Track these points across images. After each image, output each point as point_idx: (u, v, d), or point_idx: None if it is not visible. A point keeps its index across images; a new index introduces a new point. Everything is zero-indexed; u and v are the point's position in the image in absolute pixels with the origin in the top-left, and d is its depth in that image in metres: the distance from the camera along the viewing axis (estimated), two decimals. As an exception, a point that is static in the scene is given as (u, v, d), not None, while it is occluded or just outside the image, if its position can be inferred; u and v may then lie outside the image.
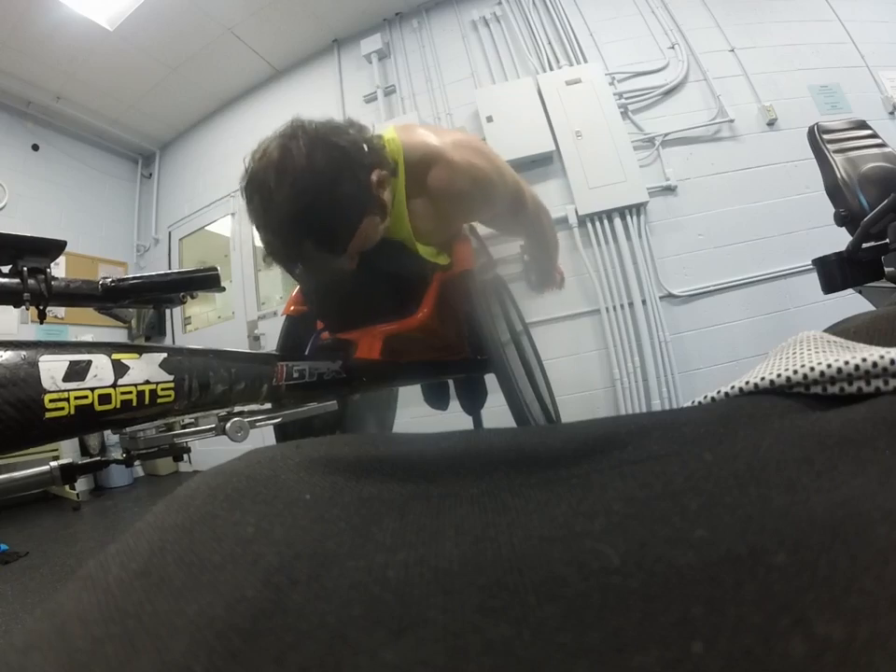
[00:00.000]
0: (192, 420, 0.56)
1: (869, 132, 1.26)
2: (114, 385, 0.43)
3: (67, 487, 2.42)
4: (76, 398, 0.40)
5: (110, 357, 0.44)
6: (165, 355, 0.49)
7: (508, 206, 0.90)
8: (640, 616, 0.09)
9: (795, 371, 0.19)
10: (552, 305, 2.34)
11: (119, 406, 0.43)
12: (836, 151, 1.19)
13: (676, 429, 0.16)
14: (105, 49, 2.74)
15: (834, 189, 1.16)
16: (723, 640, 0.08)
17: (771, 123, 2.46)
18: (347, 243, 0.68)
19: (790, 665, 0.08)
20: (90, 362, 0.42)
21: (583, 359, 2.33)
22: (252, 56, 3.02)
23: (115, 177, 3.61)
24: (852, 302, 1.02)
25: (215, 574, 0.10)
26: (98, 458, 0.53)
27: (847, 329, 0.23)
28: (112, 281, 0.52)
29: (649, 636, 0.08)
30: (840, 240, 1.10)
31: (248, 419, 0.56)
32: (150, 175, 3.74)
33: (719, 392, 0.21)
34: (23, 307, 0.46)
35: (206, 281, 0.55)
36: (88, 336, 2.42)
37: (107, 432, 2.83)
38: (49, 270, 0.47)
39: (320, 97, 3.03)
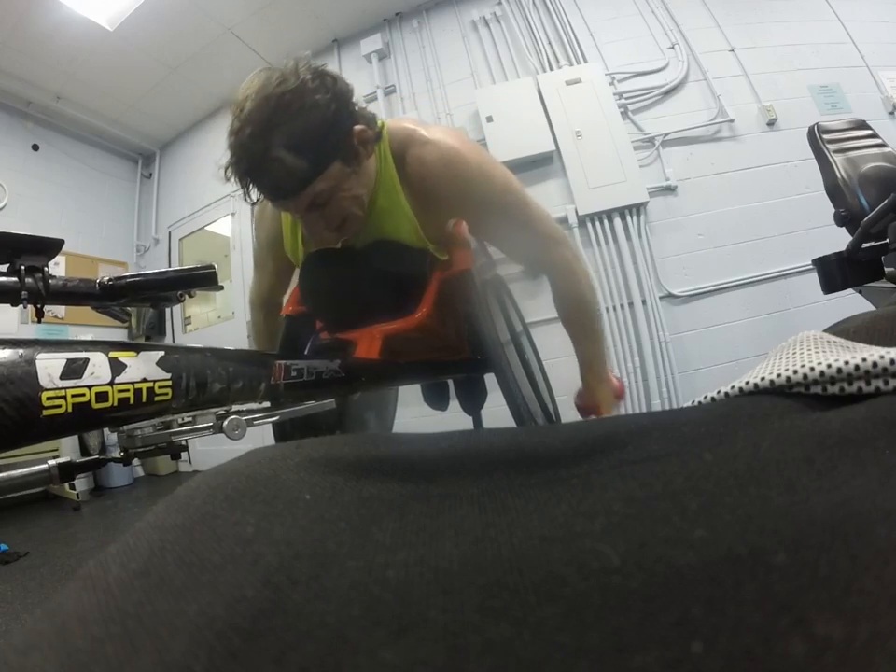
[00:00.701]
0: (190, 418, 0.56)
1: (869, 132, 1.26)
2: (111, 383, 0.43)
3: (67, 487, 2.43)
4: (73, 395, 0.40)
5: (107, 355, 0.44)
6: (163, 353, 0.49)
7: (502, 210, 0.79)
8: (640, 616, 0.09)
9: (795, 371, 0.19)
10: (552, 305, 2.33)
11: (116, 404, 0.43)
12: (836, 151, 1.19)
13: (676, 429, 0.16)
14: (105, 49, 2.74)
15: (834, 189, 1.16)
16: (723, 640, 0.08)
17: (771, 123, 2.46)
18: (311, 175, 0.66)
19: (790, 664, 0.08)
20: (87, 360, 0.42)
21: (583, 359, 2.32)
22: (252, 56, 3.02)
23: (115, 177, 3.61)
24: (852, 302, 1.02)
25: (215, 574, 0.10)
26: (96, 457, 0.53)
27: (847, 329, 0.23)
28: (109, 279, 0.52)
29: (649, 636, 0.08)
30: (840, 240, 1.10)
31: (246, 417, 0.56)
32: (150, 175, 3.74)
33: (719, 392, 0.21)
34: (22, 306, 0.46)
35: (204, 279, 0.55)
36: (88, 336, 2.42)
37: (107, 432, 2.81)
38: (46, 268, 0.47)
39: (320, 97, 3.03)
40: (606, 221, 2.37)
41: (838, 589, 0.09)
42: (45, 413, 0.38)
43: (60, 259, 2.89)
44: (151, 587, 0.10)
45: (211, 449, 2.74)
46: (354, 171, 0.71)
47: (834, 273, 1.09)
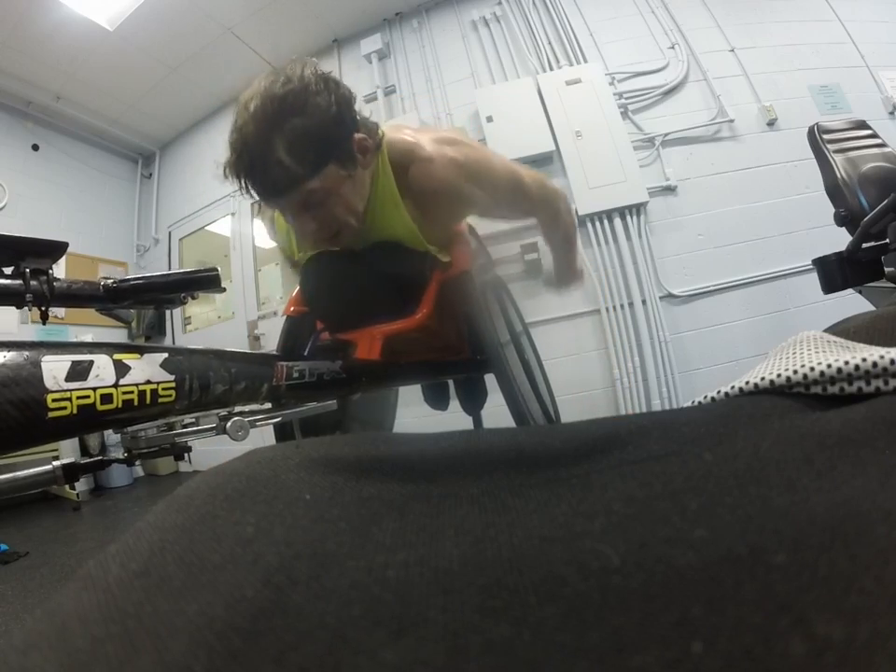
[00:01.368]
0: (193, 420, 0.56)
1: (869, 132, 1.26)
2: (115, 385, 0.44)
3: (67, 487, 2.43)
4: (78, 397, 0.41)
5: (112, 357, 0.45)
6: (166, 355, 0.49)
7: (504, 197, 0.87)
8: (640, 616, 0.09)
9: (795, 371, 0.19)
10: (552, 305, 2.34)
11: (120, 406, 0.44)
12: (836, 151, 1.19)
13: (676, 429, 0.16)
14: (104, 49, 2.74)
15: (834, 189, 1.16)
16: (723, 640, 0.08)
17: (771, 123, 2.46)
18: (305, 173, 0.67)
19: (790, 665, 0.08)
20: (91, 362, 0.43)
21: (583, 359, 2.33)
22: (252, 56, 3.02)
23: (115, 177, 3.61)
24: (852, 302, 1.02)
25: (215, 574, 0.10)
26: (100, 458, 0.54)
27: (847, 329, 0.23)
28: (114, 282, 0.52)
29: (649, 636, 0.08)
30: (840, 240, 1.10)
31: (249, 419, 0.56)
32: (150, 175, 3.74)
33: (719, 392, 0.21)
34: (25, 308, 0.46)
35: (207, 282, 0.55)
36: (88, 336, 2.42)
37: (107, 433, 2.81)
38: (51, 271, 0.47)
39: (320, 97, 3.03)
40: (606, 221, 2.37)
41: (838, 589, 0.09)
42: (50, 414, 0.39)
43: (60, 259, 2.88)
44: (151, 587, 0.10)
45: (211, 449, 2.74)
46: (350, 175, 0.71)
47: (834, 272, 1.09)
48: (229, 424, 0.54)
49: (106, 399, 0.43)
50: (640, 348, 2.28)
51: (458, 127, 2.63)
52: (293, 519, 0.12)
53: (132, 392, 0.45)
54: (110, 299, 0.52)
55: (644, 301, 2.30)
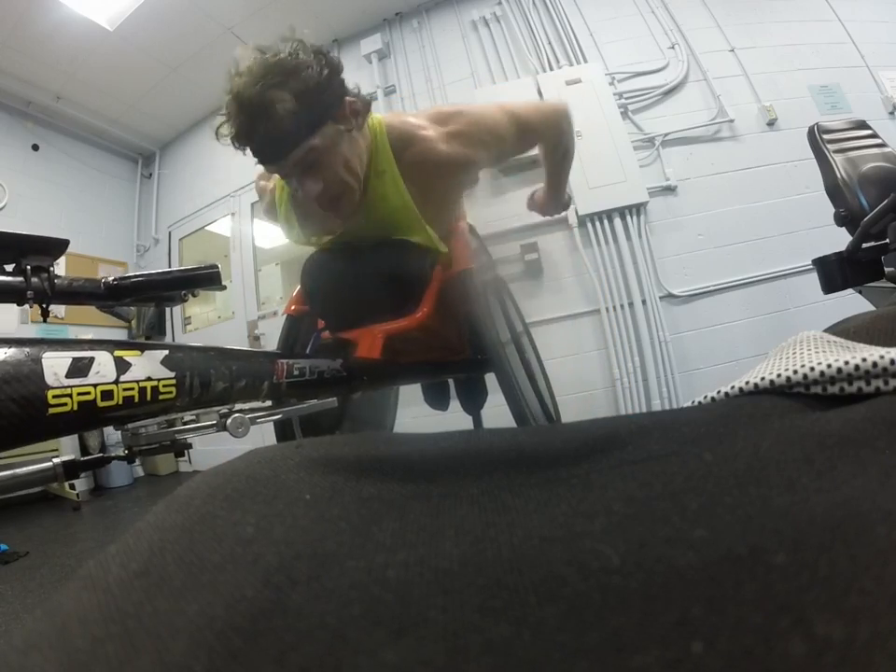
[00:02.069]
0: (194, 417, 0.57)
1: (869, 132, 1.26)
2: (116, 382, 0.44)
3: (67, 487, 2.43)
4: (78, 394, 0.41)
5: (112, 353, 0.45)
6: (167, 352, 0.49)
7: (509, 142, 0.87)
8: (640, 616, 0.09)
9: (795, 371, 0.19)
10: (552, 305, 2.34)
11: (121, 402, 0.44)
12: (836, 151, 1.19)
13: (676, 429, 0.16)
14: (105, 49, 2.74)
15: (834, 189, 1.16)
16: (723, 640, 0.08)
17: (771, 123, 2.46)
18: (307, 130, 0.69)
19: (790, 664, 0.08)
20: (92, 359, 0.43)
21: (583, 359, 2.33)
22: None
23: (115, 177, 3.61)
24: (852, 302, 1.02)
25: (215, 574, 0.10)
26: (100, 455, 0.54)
27: (847, 329, 0.23)
28: (114, 279, 0.52)
29: (649, 636, 0.08)
30: (840, 240, 1.10)
31: (249, 416, 0.57)
32: (150, 175, 3.74)
33: (719, 392, 0.21)
34: (26, 305, 0.46)
35: (207, 279, 0.55)
36: (88, 336, 2.42)
37: (108, 433, 2.81)
38: (51, 268, 0.47)
39: (320, 97, 3.03)
40: (606, 221, 2.37)
41: (838, 589, 0.09)
42: (51, 411, 0.39)
43: (60, 259, 2.88)
44: (151, 587, 0.10)
45: (211, 449, 2.74)
46: (347, 131, 0.74)
47: (834, 272, 1.09)
48: (229, 421, 0.54)
49: (107, 395, 0.43)
50: (640, 348, 2.28)
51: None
52: (293, 519, 0.12)
53: (132, 389, 0.45)
54: (111, 296, 0.52)
55: (644, 301, 2.30)
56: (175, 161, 3.65)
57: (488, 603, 0.09)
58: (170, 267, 3.46)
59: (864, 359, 0.17)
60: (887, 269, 0.99)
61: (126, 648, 0.09)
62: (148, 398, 0.46)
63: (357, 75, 2.94)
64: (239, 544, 0.11)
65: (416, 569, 0.10)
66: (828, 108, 2.49)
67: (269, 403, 0.64)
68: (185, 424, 0.55)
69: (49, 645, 0.10)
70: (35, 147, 3.14)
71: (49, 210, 3.13)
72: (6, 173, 2.94)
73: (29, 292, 0.45)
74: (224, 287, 0.58)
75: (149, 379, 0.46)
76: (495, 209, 2.32)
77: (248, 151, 0.71)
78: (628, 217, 2.36)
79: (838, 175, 1.15)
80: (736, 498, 0.12)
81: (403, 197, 0.80)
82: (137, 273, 0.53)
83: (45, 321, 0.51)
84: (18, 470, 0.46)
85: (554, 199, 1.19)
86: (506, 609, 0.09)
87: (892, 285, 0.99)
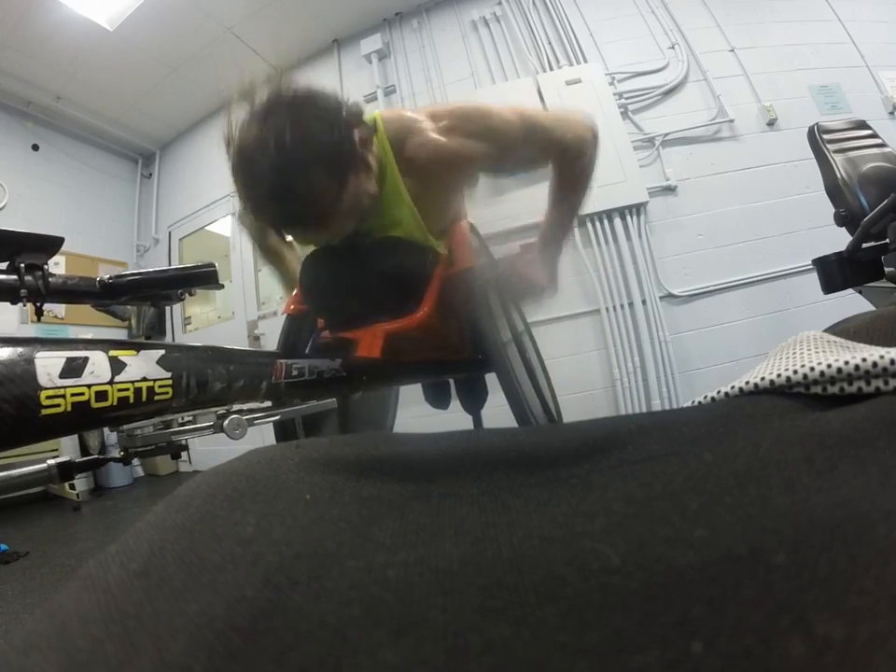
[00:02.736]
0: (191, 417, 0.56)
1: (869, 132, 1.26)
2: (111, 382, 0.43)
3: (67, 487, 2.43)
4: (72, 395, 0.40)
5: (107, 353, 0.44)
6: (163, 352, 0.49)
7: (513, 141, 0.79)
8: (640, 616, 0.09)
9: (795, 371, 0.19)
10: (552, 305, 2.34)
11: (115, 403, 0.43)
12: (836, 151, 1.19)
13: (676, 429, 0.16)
14: (105, 49, 2.74)
15: (834, 189, 1.16)
16: (723, 640, 0.08)
17: (771, 123, 2.46)
18: (340, 197, 0.68)
19: (790, 665, 0.08)
20: (86, 359, 0.42)
21: (583, 359, 2.33)
22: (252, 56, 3.02)
23: (115, 177, 3.61)
24: (852, 302, 1.02)
25: (215, 574, 0.10)
26: (96, 456, 0.53)
27: (847, 329, 0.23)
28: (110, 277, 0.52)
29: (649, 636, 0.08)
30: (840, 240, 1.10)
31: (247, 417, 0.56)
32: (150, 175, 3.74)
33: (719, 392, 0.21)
34: (21, 304, 0.46)
35: (204, 277, 0.55)
36: (88, 336, 2.42)
37: (107, 431, 2.81)
38: (46, 266, 0.47)
39: (320, 97, 3.03)
40: (606, 221, 2.37)
41: (838, 589, 0.09)
42: (44, 412, 0.38)
43: (60, 258, 2.88)
44: (151, 587, 0.10)
45: (211, 449, 2.74)
46: (365, 173, 0.73)
47: (834, 272, 1.09)
48: (226, 422, 0.54)
49: (101, 396, 0.42)
50: (640, 348, 2.28)
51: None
52: (293, 519, 0.12)
53: (127, 389, 0.44)
54: (106, 294, 0.52)
55: (644, 301, 2.29)
56: (175, 160, 3.65)
57: (488, 603, 0.09)
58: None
59: (864, 359, 0.17)
60: (887, 269, 0.99)
61: (126, 648, 0.09)
62: (144, 398, 0.45)
63: (357, 75, 2.94)
64: (239, 544, 0.11)
65: (416, 569, 0.10)
66: (828, 108, 2.49)
67: (268, 404, 0.64)
68: (182, 425, 0.55)
69: (49, 645, 0.10)
70: (35, 147, 3.13)
71: (48, 210, 3.13)
72: (6, 173, 2.94)
73: (23, 291, 0.45)
74: (222, 286, 0.58)
75: (145, 379, 0.46)
76: (495, 209, 2.32)
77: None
78: (628, 217, 2.36)
79: (838, 175, 1.15)
80: (736, 498, 0.12)
81: (402, 196, 0.80)
82: (133, 272, 0.53)
83: (38, 320, 0.51)
84: (12, 472, 0.46)
85: (549, 250, 0.98)
86: (506, 609, 0.09)
87: (892, 285, 0.99)
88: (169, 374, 0.48)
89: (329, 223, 0.70)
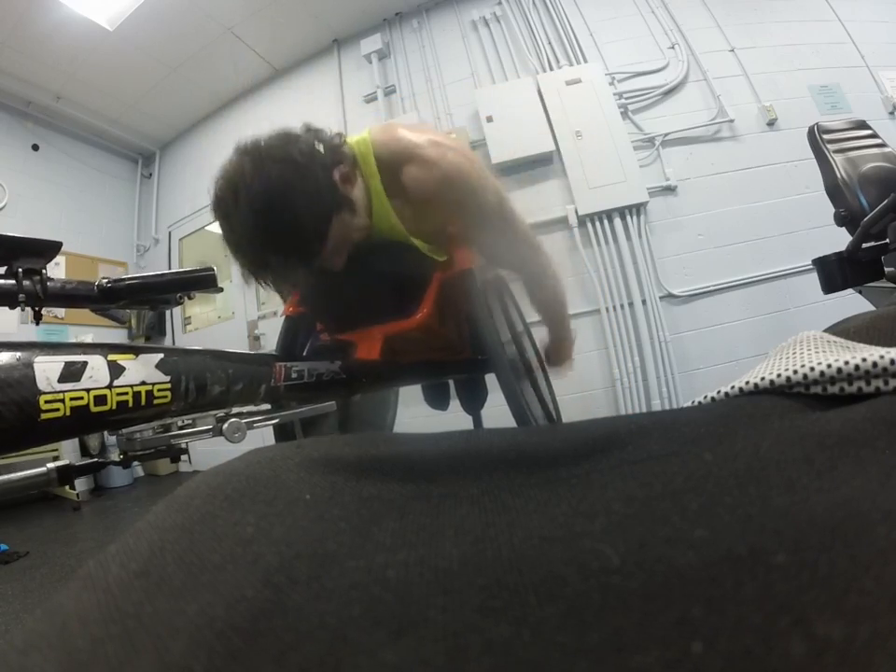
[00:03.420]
0: (190, 421, 0.56)
1: (869, 132, 1.26)
2: (110, 387, 0.43)
3: (67, 487, 2.43)
4: (71, 399, 0.40)
5: (106, 357, 0.44)
6: (162, 355, 0.49)
7: (492, 218, 0.82)
8: (640, 616, 0.09)
9: (795, 371, 0.19)
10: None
11: (114, 407, 0.43)
12: (836, 151, 1.19)
13: (676, 429, 0.16)
14: (105, 49, 2.74)
15: (834, 189, 1.16)
16: (723, 640, 0.08)
17: (771, 123, 2.46)
18: (321, 246, 0.67)
19: (790, 665, 0.08)
20: (85, 363, 0.42)
21: (583, 359, 2.32)
22: (252, 56, 3.02)
23: (115, 177, 3.61)
24: (852, 302, 1.02)
25: (215, 574, 0.10)
26: (95, 460, 0.53)
27: (847, 329, 0.23)
28: (108, 282, 0.51)
29: (649, 636, 0.08)
30: (840, 240, 1.10)
31: (246, 420, 0.56)
32: (150, 175, 3.74)
33: (719, 392, 0.21)
34: (20, 309, 0.46)
35: (203, 281, 0.55)
36: (88, 336, 2.42)
37: (108, 433, 2.82)
38: (44, 271, 0.47)
39: (320, 97, 3.03)
40: (606, 221, 2.37)
41: (838, 589, 0.09)
42: (43, 416, 0.38)
43: (59, 258, 2.88)
44: (151, 587, 0.10)
45: (211, 449, 2.74)
46: (350, 212, 0.72)
47: (834, 273, 1.09)
48: (225, 425, 0.54)
49: (100, 400, 0.42)
50: (640, 348, 2.28)
51: (458, 127, 2.63)
52: (293, 519, 0.12)
53: (126, 393, 0.44)
54: (105, 299, 0.51)
55: (644, 301, 2.30)
56: (175, 160, 3.65)
57: (488, 603, 0.09)
58: (169, 267, 3.46)
59: (864, 359, 0.17)
60: (887, 269, 0.99)
61: (126, 648, 0.09)
62: (143, 402, 0.45)
63: (357, 75, 2.95)
64: (239, 544, 0.11)
65: (416, 569, 0.10)
66: (828, 108, 2.49)
67: (267, 407, 0.64)
68: (181, 428, 0.55)
69: (49, 645, 0.10)
70: (35, 147, 3.14)
71: (48, 210, 3.13)
72: (6, 173, 2.94)
73: (21, 295, 0.44)
74: (221, 290, 0.57)
75: (144, 383, 0.46)
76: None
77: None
78: (628, 217, 2.36)
79: (838, 175, 1.15)
80: (736, 498, 0.12)
81: (391, 220, 0.79)
82: (131, 276, 0.52)
83: (37, 324, 0.51)
84: (11, 476, 0.46)
85: (555, 342, 1.07)
86: (506, 608, 0.09)
87: (892, 285, 0.99)
88: (168, 378, 0.48)
89: (317, 266, 0.70)
